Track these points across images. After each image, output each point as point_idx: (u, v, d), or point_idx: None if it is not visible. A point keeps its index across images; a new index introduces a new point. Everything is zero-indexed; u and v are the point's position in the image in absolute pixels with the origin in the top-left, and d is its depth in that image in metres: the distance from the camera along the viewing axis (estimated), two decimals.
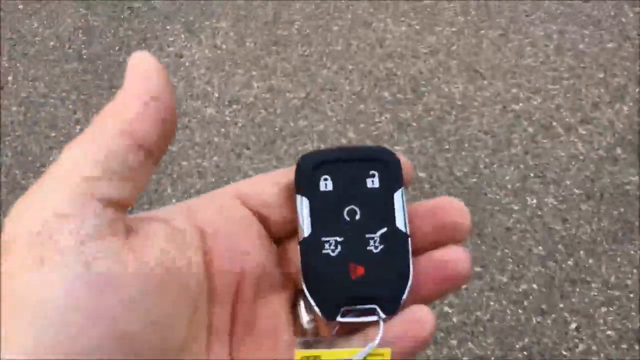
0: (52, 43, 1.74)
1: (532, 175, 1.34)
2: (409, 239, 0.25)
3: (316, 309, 0.25)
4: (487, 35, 1.67)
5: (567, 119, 1.45)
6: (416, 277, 0.25)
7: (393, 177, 0.26)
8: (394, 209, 0.25)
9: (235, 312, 0.25)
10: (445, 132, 1.45)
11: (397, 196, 0.26)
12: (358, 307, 0.25)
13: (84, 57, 1.71)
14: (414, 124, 1.48)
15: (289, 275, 0.26)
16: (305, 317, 0.26)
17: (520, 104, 1.50)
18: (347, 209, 0.25)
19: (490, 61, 1.60)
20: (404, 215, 0.26)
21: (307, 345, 0.24)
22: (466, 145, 1.42)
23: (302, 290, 0.25)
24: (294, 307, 0.26)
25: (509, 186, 1.32)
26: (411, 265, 0.25)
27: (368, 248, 0.25)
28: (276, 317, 0.26)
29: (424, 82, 1.57)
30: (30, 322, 0.18)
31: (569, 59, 1.59)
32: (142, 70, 0.21)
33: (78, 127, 1.54)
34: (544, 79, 1.55)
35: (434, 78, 1.58)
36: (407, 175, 0.27)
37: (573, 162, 1.36)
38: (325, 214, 0.25)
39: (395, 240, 0.25)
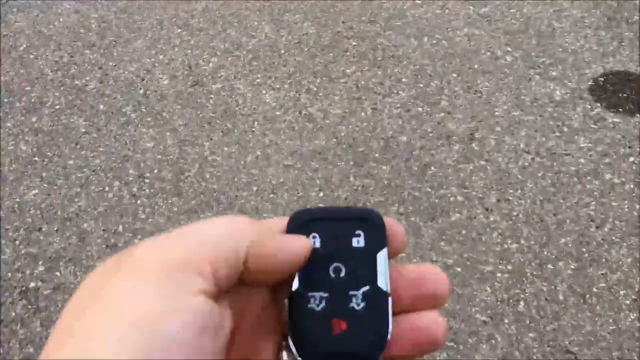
0: None
1: None
2: (390, 298, 0.26)
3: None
4: None
5: None
6: (396, 337, 0.26)
7: (377, 237, 0.27)
8: (376, 268, 0.26)
9: (232, 348, 0.26)
10: None
11: (380, 256, 0.27)
12: None
13: None
14: None
15: (280, 320, 0.27)
16: None
17: None
18: (333, 266, 0.27)
19: None
20: (386, 274, 0.27)
21: None
22: None
23: (287, 338, 0.26)
24: (279, 350, 0.27)
25: None
26: (390, 324, 0.26)
27: (351, 305, 0.26)
28: (266, 355, 0.27)
29: None
30: (136, 342, 0.20)
31: None
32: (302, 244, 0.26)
33: None
34: None
35: None
36: (398, 240, 0.27)
37: None
38: (312, 270, 0.26)
39: (377, 298, 0.26)
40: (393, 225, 0.28)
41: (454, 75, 1.56)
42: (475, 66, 1.58)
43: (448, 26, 1.71)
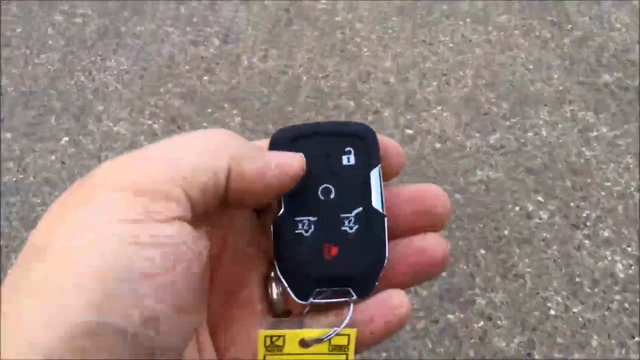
0: None
1: None
2: (386, 219, 0.24)
3: (289, 290, 0.24)
4: None
5: None
6: (392, 262, 0.24)
7: (370, 154, 0.25)
8: (370, 187, 0.24)
9: (214, 280, 0.24)
10: None
11: (374, 174, 0.24)
12: (331, 288, 0.23)
13: None
14: None
15: (266, 248, 0.25)
16: (274, 292, 0.24)
17: None
18: (321, 187, 0.24)
19: None
20: (381, 194, 0.24)
21: (272, 325, 0.24)
22: None
23: (274, 267, 0.24)
24: (266, 280, 0.25)
25: None
26: (387, 246, 0.24)
27: (343, 228, 0.24)
28: (252, 287, 0.25)
29: None
30: (102, 277, 0.18)
31: None
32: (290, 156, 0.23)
33: None
34: None
35: None
36: (394, 157, 0.25)
37: None
38: (299, 192, 0.24)
39: (371, 220, 0.24)
40: (387, 141, 0.25)
41: (482, 251, 1.18)
42: (505, 232, 1.21)
43: (456, 169, 1.33)
